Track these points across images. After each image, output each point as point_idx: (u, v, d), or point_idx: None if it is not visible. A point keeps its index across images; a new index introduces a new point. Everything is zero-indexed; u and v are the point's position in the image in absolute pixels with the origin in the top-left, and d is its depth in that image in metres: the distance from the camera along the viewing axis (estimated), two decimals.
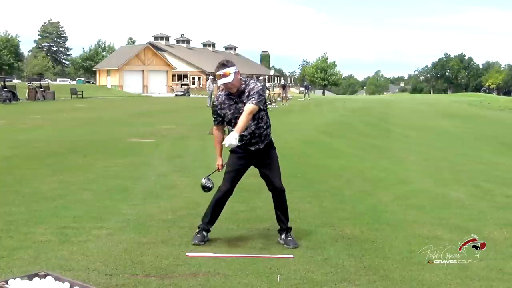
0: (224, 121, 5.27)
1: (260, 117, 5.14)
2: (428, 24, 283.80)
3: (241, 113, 4.99)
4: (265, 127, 5.19)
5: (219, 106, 5.22)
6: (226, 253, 4.87)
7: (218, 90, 5.33)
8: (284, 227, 5.29)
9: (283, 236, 5.26)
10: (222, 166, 5.41)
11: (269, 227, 5.70)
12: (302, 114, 29.13)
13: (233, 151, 5.23)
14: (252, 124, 5.09)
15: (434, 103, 51.04)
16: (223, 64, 5.06)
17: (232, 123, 5.13)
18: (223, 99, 5.21)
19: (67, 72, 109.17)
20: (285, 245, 5.14)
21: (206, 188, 5.45)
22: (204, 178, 5.45)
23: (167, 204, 6.81)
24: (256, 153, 5.22)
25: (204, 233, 5.28)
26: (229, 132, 5.07)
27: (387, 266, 4.60)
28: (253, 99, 4.96)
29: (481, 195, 7.88)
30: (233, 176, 5.26)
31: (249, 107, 4.92)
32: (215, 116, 5.30)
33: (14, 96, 36.41)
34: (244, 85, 5.11)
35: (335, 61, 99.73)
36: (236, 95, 5.11)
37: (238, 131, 4.81)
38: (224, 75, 4.98)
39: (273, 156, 5.29)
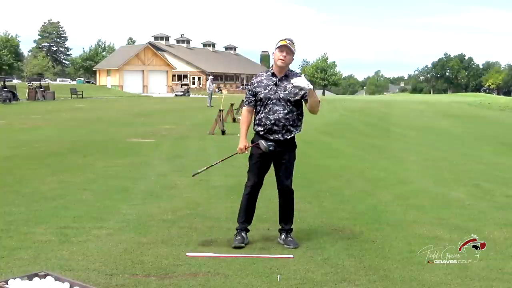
0: (255, 103, 5.18)
1: (292, 110, 5.09)
2: (428, 24, 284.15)
3: (277, 96, 5.02)
4: (292, 122, 5.10)
5: (255, 84, 5.17)
6: (226, 253, 4.87)
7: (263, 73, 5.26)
8: (287, 228, 5.27)
9: (283, 236, 5.24)
10: (246, 148, 5.18)
11: (269, 227, 5.69)
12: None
13: (253, 143, 5.16)
14: (281, 111, 5.05)
15: (434, 103, 51.03)
16: (291, 40, 5.09)
17: (263, 103, 5.06)
18: (262, 78, 5.18)
19: (67, 72, 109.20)
20: (285, 245, 5.13)
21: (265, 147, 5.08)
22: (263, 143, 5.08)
23: (167, 204, 6.81)
24: (275, 145, 5.09)
25: (243, 234, 5.20)
26: (258, 141, 5.05)
27: (387, 266, 4.60)
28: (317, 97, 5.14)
29: (481, 195, 7.88)
30: (258, 167, 5.18)
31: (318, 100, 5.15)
32: (248, 95, 5.22)
33: (14, 96, 36.42)
34: (290, 73, 5.12)
35: (335, 61, 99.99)
36: (278, 77, 5.09)
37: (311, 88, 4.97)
38: (291, 45, 5.00)
39: (290, 156, 5.22)
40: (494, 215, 6.58)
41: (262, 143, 5.05)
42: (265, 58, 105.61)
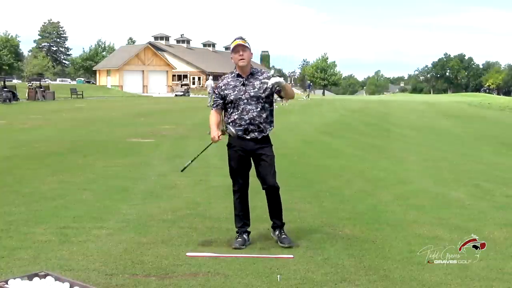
0: (223, 105, 5.21)
1: (264, 107, 5.13)
2: (428, 24, 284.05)
3: (247, 95, 5.05)
4: (265, 119, 5.14)
5: (223, 87, 5.19)
6: (226, 253, 4.87)
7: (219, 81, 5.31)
8: (279, 224, 5.29)
9: (277, 233, 5.25)
10: (219, 136, 5.09)
11: (269, 227, 5.67)
12: (302, 114, 29.10)
13: (230, 146, 5.19)
14: (255, 110, 5.08)
15: (434, 103, 51.04)
16: (242, 37, 5.16)
17: (234, 105, 5.09)
18: (229, 80, 5.21)
19: (67, 72, 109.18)
20: (279, 243, 5.13)
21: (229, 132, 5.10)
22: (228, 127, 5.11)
23: (167, 204, 6.81)
24: (252, 143, 5.12)
25: (245, 236, 5.21)
26: (226, 126, 5.08)
27: (387, 266, 4.60)
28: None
29: (481, 195, 7.88)
30: (240, 171, 5.20)
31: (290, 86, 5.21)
32: (216, 98, 5.26)
33: (14, 96, 36.44)
34: (255, 70, 5.18)
35: (335, 61, 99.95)
36: (244, 77, 5.13)
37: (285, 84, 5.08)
38: (243, 42, 5.07)
39: (268, 152, 5.19)
40: (494, 215, 6.58)
41: (230, 129, 5.06)
42: (265, 58, 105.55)
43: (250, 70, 5.17)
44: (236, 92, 5.11)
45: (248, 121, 5.08)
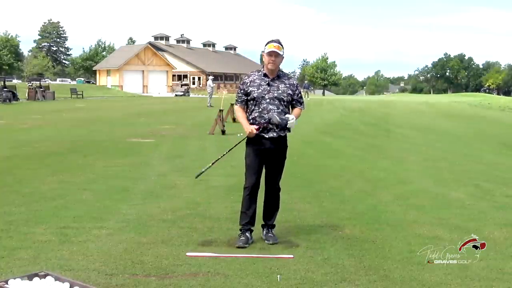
0: (247, 102, 5.29)
1: (284, 110, 5.23)
2: (428, 24, 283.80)
3: (271, 95, 5.16)
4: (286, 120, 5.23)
5: (248, 83, 5.27)
6: (226, 253, 4.87)
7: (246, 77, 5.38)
8: (270, 223, 5.37)
9: (265, 231, 5.34)
10: (257, 130, 5.15)
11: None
12: (302, 114, 29.08)
13: (249, 143, 5.27)
14: (275, 110, 5.17)
15: (434, 103, 51.04)
16: (279, 42, 5.23)
17: (256, 102, 5.17)
18: (254, 77, 5.28)
19: (67, 72, 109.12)
20: (265, 241, 5.22)
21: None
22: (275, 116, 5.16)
23: (167, 204, 6.81)
24: (270, 143, 5.22)
25: (248, 234, 5.25)
26: (270, 117, 5.14)
27: (387, 266, 4.60)
28: (302, 105, 5.39)
29: (481, 195, 7.88)
30: (255, 168, 5.27)
31: (299, 112, 5.36)
32: (240, 94, 5.33)
33: (14, 96, 36.43)
34: (282, 74, 5.30)
35: (335, 61, 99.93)
36: (270, 78, 5.22)
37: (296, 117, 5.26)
38: (278, 48, 5.15)
39: (283, 155, 5.37)
40: (494, 215, 6.58)
41: (275, 117, 5.14)
42: None
43: (278, 73, 5.27)
44: (260, 90, 5.21)
45: (267, 120, 5.17)
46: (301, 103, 5.39)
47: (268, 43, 5.22)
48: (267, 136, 5.22)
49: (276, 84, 5.23)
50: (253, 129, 5.16)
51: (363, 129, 20.70)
